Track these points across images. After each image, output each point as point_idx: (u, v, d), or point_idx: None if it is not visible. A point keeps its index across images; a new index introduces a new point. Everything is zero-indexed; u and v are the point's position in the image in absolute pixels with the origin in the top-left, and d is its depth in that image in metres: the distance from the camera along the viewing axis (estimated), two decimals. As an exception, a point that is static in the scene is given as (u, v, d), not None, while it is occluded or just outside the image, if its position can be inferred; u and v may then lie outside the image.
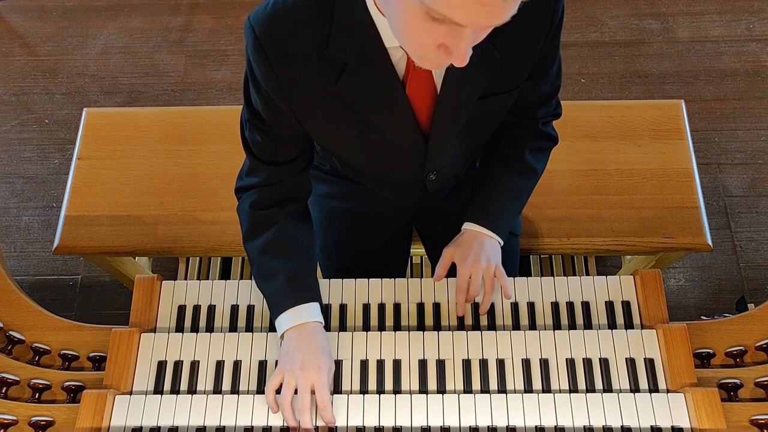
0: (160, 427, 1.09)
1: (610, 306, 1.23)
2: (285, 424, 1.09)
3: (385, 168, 1.19)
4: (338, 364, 1.15)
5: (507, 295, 1.19)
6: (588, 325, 1.21)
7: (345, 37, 0.93)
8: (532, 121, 1.21)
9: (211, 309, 1.24)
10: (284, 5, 0.94)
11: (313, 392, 1.07)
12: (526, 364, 1.14)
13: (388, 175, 1.21)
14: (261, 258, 1.15)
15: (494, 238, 1.22)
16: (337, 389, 1.13)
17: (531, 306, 1.23)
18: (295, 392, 1.08)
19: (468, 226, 1.23)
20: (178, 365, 1.16)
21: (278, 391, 1.10)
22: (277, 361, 1.16)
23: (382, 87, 0.98)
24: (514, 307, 1.23)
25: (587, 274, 1.94)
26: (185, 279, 1.94)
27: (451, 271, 1.24)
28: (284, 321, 1.12)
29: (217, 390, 1.15)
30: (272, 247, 1.15)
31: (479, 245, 1.20)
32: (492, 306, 1.23)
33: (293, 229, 1.17)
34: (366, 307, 1.24)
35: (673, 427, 1.07)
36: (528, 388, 1.13)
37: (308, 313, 1.12)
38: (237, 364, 1.16)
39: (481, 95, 1.03)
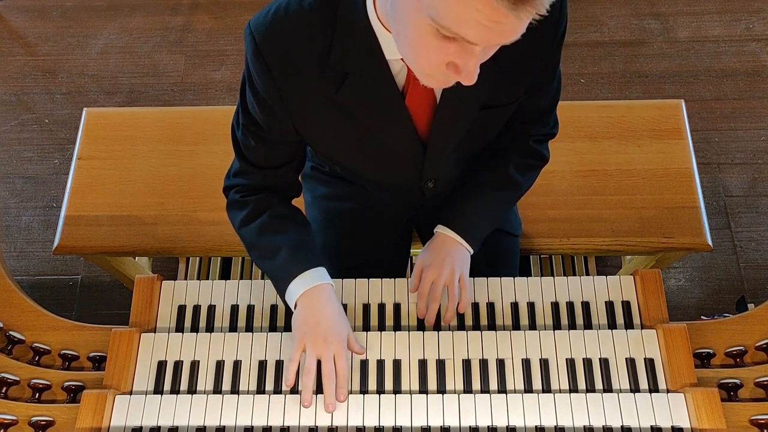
0: (160, 427, 1.09)
1: (610, 306, 1.23)
2: (285, 424, 1.09)
3: (382, 174, 1.19)
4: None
5: (461, 308, 1.18)
6: (588, 325, 1.21)
7: (346, 48, 0.93)
8: (524, 137, 1.20)
9: (211, 309, 1.24)
10: (286, 13, 0.93)
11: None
12: (526, 364, 1.14)
13: (386, 180, 1.22)
14: (260, 239, 1.15)
15: (464, 245, 1.20)
16: (337, 389, 1.13)
17: (531, 306, 1.23)
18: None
19: (440, 230, 1.22)
20: (178, 365, 1.16)
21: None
22: (278, 361, 1.16)
23: (382, 98, 0.98)
24: (514, 307, 1.23)
25: (587, 274, 1.94)
26: (185, 279, 1.94)
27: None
28: (295, 288, 1.11)
29: (217, 390, 1.14)
30: (269, 226, 1.15)
31: (446, 252, 1.19)
32: (492, 306, 1.23)
33: (287, 207, 1.18)
34: (366, 307, 1.24)
35: (673, 427, 1.07)
36: (528, 388, 1.13)
37: (318, 276, 1.12)
38: (237, 364, 1.16)
39: (480, 107, 1.03)
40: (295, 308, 1.13)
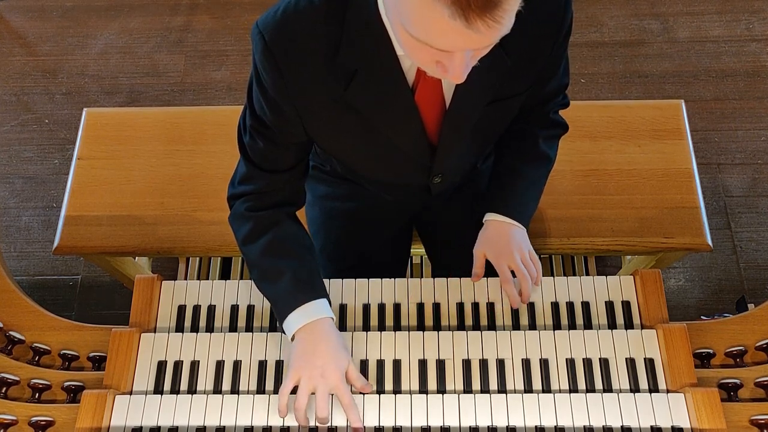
0: (160, 427, 1.09)
1: (610, 306, 1.23)
2: (285, 425, 1.09)
3: (389, 172, 1.19)
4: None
5: (536, 282, 1.20)
6: (588, 325, 1.21)
7: (356, 44, 0.93)
8: (543, 113, 1.22)
9: (211, 309, 1.24)
10: (295, 11, 0.93)
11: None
12: (526, 364, 1.14)
13: (392, 178, 1.21)
14: (263, 260, 1.13)
15: (518, 226, 1.21)
16: (337, 389, 1.13)
17: (531, 306, 1.23)
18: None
19: (490, 217, 1.22)
20: (178, 365, 1.16)
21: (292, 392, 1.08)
22: (278, 361, 1.16)
23: (392, 95, 0.98)
24: (514, 307, 1.23)
25: (587, 274, 1.94)
26: (185, 279, 1.94)
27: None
28: (294, 320, 1.09)
29: (217, 390, 1.14)
30: (274, 248, 1.13)
31: (507, 237, 1.19)
32: (492, 306, 1.23)
33: (293, 228, 1.16)
34: (366, 307, 1.24)
35: (673, 427, 1.07)
36: (528, 388, 1.13)
37: (318, 309, 1.10)
38: (237, 364, 1.16)
39: (489, 101, 1.03)
40: (292, 340, 1.11)
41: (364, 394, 1.11)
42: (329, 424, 1.08)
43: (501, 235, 1.20)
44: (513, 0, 0.69)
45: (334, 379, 1.06)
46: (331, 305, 1.15)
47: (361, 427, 1.07)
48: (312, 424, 1.08)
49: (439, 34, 0.72)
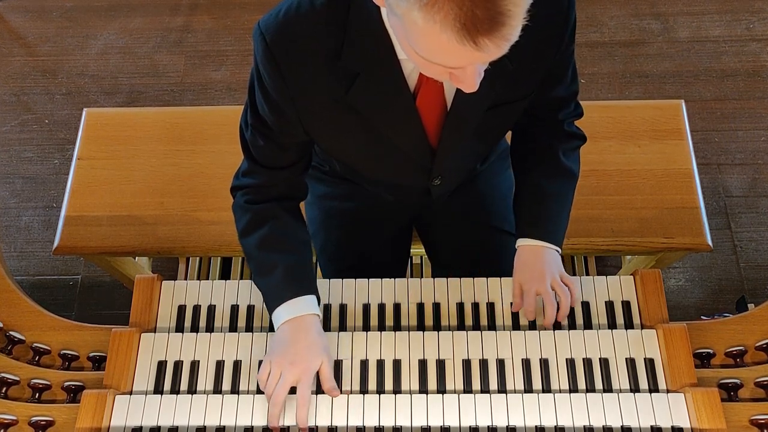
0: (160, 427, 1.09)
1: (610, 306, 1.23)
2: (285, 424, 1.09)
3: (389, 173, 1.19)
4: (338, 364, 1.15)
5: (573, 303, 1.18)
6: (588, 325, 1.21)
7: (358, 47, 0.93)
8: (557, 123, 1.20)
9: (211, 309, 1.24)
10: (297, 13, 0.93)
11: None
12: (526, 364, 1.14)
13: (392, 179, 1.21)
14: (258, 252, 1.15)
15: (551, 247, 1.19)
16: (337, 389, 1.13)
17: (531, 306, 1.23)
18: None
19: (522, 242, 1.21)
20: (178, 365, 1.16)
21: None
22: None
23: (393, 98, 0.98)
24: (514, 307, 1.23)
25: (587, 274, 1.94)
26: (185, 279, 1.94)
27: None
28: (281, 313, 1.12)
29: (217, 390, 1.14)
30: (270, 241, 1.14)
31: (539, 262, 1.17)
32: (492, 306, 1.23)
33: (290, 222, 1.17)
34: (366, 307, 1.24)
35: (673, 427, 1.07)
36: (528, 388, 1.13)
37: (306, 305, 1.12)
38: (237, 364, 1.16)
39: (490, 105, 1.03)
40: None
41: (364, 394, 1.11)
42: (329, 424, 1.08)
43: (535, 261, 1.18)
44: (518, 16, 0.70)
45: (300, 371, 1.07)
46: (320, 302, 1.16)
47: (306, 428, 1.07)
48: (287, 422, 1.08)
49: (450, 56, 0.74)
